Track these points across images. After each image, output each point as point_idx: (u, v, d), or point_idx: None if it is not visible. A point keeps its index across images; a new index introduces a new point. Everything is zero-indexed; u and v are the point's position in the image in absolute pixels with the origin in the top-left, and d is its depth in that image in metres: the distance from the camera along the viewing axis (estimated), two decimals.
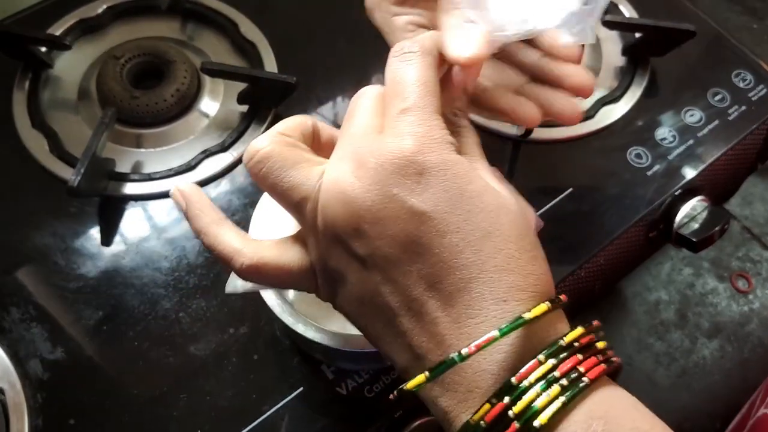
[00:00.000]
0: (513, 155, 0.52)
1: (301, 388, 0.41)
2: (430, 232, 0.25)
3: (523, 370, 0.24)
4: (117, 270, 0.45)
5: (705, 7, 0.60)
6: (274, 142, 0.28)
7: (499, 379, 0.25)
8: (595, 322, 0.27)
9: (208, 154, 0.50)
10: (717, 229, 0.50)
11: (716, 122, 0.54)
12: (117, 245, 0.46)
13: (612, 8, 0.59)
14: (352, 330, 0.31)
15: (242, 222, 0.39)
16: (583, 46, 0.35)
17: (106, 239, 0.46)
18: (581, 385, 0.24)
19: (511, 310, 0.25)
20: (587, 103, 0.54)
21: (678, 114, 0.54)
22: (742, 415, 0.61)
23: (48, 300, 0.44)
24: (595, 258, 0.48)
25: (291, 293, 0.40)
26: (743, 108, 0.55)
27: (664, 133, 0.53)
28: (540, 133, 0.52)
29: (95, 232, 0.47)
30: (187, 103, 0.52)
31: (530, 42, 0.35)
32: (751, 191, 0.81)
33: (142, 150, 0.51)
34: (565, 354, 0.25)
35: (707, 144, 0.53)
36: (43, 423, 0.40)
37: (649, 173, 0.51)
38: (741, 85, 0.56)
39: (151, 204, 0.48)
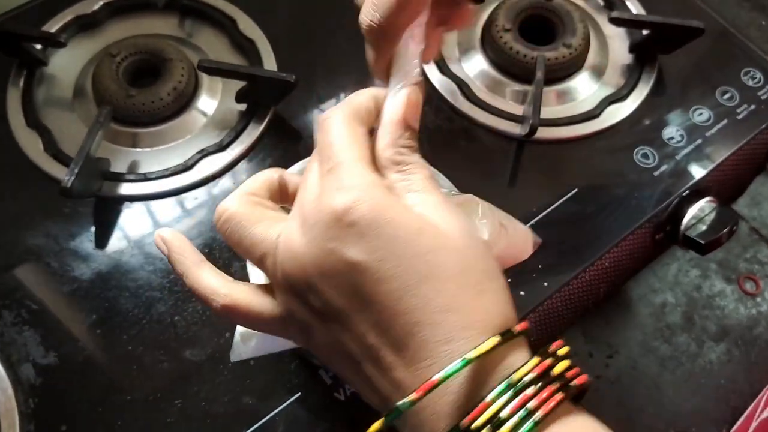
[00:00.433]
0: (517, 155, 0.51)
1: (299, 393, 0.41)
2: (369, 282, 0.26)
3: (472, 412, 0.24)
4: (111, 272, 0.44)
5: (713, 3, 0.59)
6: (239, 202, 0.30)
7: (453, 420, 0.25)
8: (556, 343, 0.27)
9: (205, 153, 0.49)
10: (725, 230, 0.49)
11: (725, 121, 0.53)
12: (111, 247, 0.45)
13: (619, 5, 0.58)
14: None
15: None
16: None
17: (101, 241, 0.46)
18: (532, 422, 0.24)
19: (458, 350, 0.25)
20: (593, 102, 0.54)
21: (686, 113, 0.54)
22: (746, 417, 0.60)
23: (41, 303, 0.43)
24: (600, 261, 0.47)
25: None
26: (752, 107, 0.54)
27: (671, 132, 0.53)
28: (545, 133, 0.51)
29: (90, 234, 0.46)
30: (184, 102, 0.51)
31: None
32: (759, 191, 0.80)
33: (139, 149, 0.50)
34: (515, 390, 0.24)
35: (716, 144, 0.52)
36: (35, 428, 0.39)
37: (656, 173, 0.50)
38: (750, 83, 0.55)
39: (147, 205, 0.47)
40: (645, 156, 0.51)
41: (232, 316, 0.30)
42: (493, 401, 0.24)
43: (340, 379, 0.30)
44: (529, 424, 0.24)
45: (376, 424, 0.25)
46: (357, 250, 0.26)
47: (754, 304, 0.72)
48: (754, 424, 0.59)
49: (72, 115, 0.51)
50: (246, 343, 0.33)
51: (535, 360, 0.25)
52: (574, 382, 0.26)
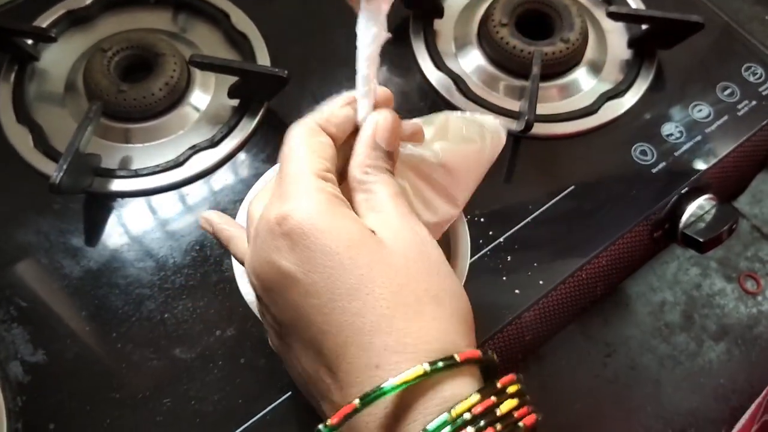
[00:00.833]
0: (513, 151, 0.50)
1: (290, 393, 0.40)
2: (299, 294, 0.25)
3: None
4: (101, 269, 0.44)
5: None
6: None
7: None
8: (507, 378, 0.24)
9: (197, 149, 0.48)
10: (725, 228, 0.49)
11: (725, 118, 0.52)
12: (102, 244, 0.45)
13: None
14: None
15: None
16: None
17: (91, 237, 0.45)
18: None
19: (384, 376, 0.23)
20: (591, 98, 0.53)
21: (685, 109, 0.53)
22: (747, 419, 0.59)
23: (30, 300, 0.43)
24: (597, 259, 0.46)
25: None
26: (753, 103, 0.53)
27: (670, 128, 0.52)
28: (541, 129, 0.50)
29: (80, 230, 0.45)
30: (176, 97, 0.50)
31: None
32: (760, 189, 0.79)
33: (130, 145, 0.49)
34: (453, 427, 0.22)
35: (716, 140, 0.51)
36: (23, 427, 0.39)
37: (655, 170, 0.50)
38: (751, 79, 0.54)
39: (138, 201, 0.47)
40: (644, 152, 0.51)
41: None
42: None
43: None
44: None
45: None
46: (288, 261, 0.25)
47: (754, 302, 0.71)
48: (755, 426, 0.58)
49: (63, 110, 0.50)
50: None
51: (476, 397, 0.23)
52: (522, 423, 0.23)
